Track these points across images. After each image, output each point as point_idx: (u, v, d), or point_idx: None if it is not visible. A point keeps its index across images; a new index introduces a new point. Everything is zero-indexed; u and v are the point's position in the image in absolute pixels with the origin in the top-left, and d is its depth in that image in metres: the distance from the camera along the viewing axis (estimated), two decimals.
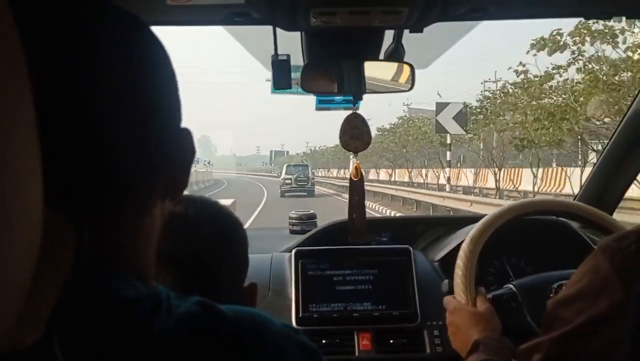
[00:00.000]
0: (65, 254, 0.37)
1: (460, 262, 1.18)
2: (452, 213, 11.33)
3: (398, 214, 11.48)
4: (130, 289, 0.41)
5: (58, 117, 0.38)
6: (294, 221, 1.84)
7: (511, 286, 1.23)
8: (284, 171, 28.47)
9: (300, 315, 1.33)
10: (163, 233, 0.49)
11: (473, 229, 1.19)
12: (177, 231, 0.72)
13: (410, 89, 1.25)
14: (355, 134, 1.35)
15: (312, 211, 1.86)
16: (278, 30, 1.21)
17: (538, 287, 1.21)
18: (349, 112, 1.37)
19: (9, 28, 0.25)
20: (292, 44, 1.29)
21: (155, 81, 0.47)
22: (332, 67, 1.26)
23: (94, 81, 0.41)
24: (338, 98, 1.44)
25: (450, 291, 1.24)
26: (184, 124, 0.49)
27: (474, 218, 1.61)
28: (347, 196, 1.48)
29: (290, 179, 26.85)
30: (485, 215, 1.39)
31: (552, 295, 1.20)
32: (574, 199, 1.85)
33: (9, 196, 0.24)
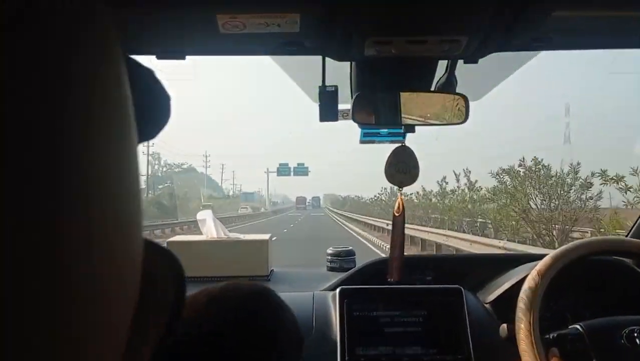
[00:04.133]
0: (165, 297, 0.33)
1: (524, 296, 1.10)
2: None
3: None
4: None
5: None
6: (331, 258, 1.77)
7: (578, 326, 1.14)
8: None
9: (346, 359, 1.25)
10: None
11: (539, 263, 1.12)
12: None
13: (464, 121, 1.20)
14: (402, 168, 1.30)
15: (350, 248, 1.79)
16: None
17: (609, 331, 1.12)
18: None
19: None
20: (338, 76, 1.26)
21: None
22: (382, 98, 1.22)
23: None
24: (383, 131, 1.40)
25: (510, 337, 1.16)
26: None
27: (525, 258, 1.53)
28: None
29: (303, 205, 35.46)
30: (535, 254, 1.31)
31: (623, 341, 1.11)
32: (626, 236, 1.76)
33: (113, 236, 0.23)
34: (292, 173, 68.25)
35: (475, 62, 1.13)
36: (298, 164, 69.21)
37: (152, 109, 0.41)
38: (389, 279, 1.38)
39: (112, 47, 0.25)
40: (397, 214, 1.39)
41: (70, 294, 0.20)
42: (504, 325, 1.22)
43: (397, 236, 1.41)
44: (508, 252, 8.01)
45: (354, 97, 1.19)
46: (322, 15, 0.92)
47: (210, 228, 1.69)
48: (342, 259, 1.76)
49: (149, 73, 0.42)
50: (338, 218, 43.17)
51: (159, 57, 1.10)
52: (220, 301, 0.64)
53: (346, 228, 29.41)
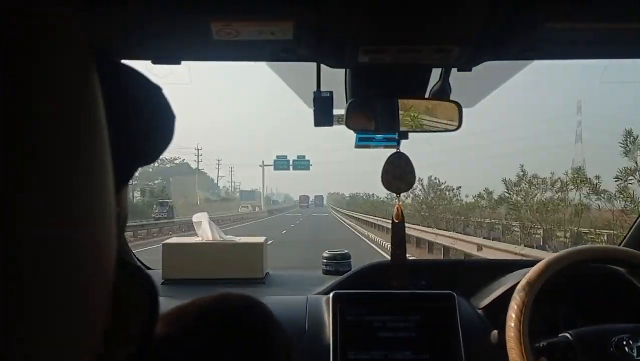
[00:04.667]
0: (137, 314, 0.34)
1: (514, 304, 1.11)
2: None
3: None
4: None
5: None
6: (327, 261, 1.78)
7: (568, 335, 1.15)
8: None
9: None
10: None
11: (530, 271, 1.13)
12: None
13: (457, 128, 1.21)
14: (398, 174, 1.31)
15: (345, 251, 1.80)
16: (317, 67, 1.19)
17: (598, 339, 1.13)
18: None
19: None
20: (333, 81, 1.27)
21: None
22: (376, 105, 1.23)
23: None
24: (378, 136, 1.41)
25: (501, 343, 1.16)
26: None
27: (518, 263, 1.53)
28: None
29: (307, 204, 46.24)
30: (529, 260, 1.32)
31: (612, 349, 1.12)
32: (619, 245, 1.76)
33: (89, 250, 0.24)
34: (291, 167, 58.09)
35: (469, 70, 1.13)
36: (298, 157, 58.83)
37: (156, 128, 0.40)
38: (392, 285, 1.39)
39: (85, 67, 0.25)
40: (396, 220, 1.40)
41: (39, 304, 0.21)
42: (495, 332, 1.22)
43: (398, 241, 1.42)
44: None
45: (347, 103, 1.20)
46: (315, 24, 0.92)
47: (205, 230, 1.70)
48: (338, 262, 1.76)
49: (157, 91, 0.41)
50: (344, 219, 37.78)
51: (154, 62, 1.11)
52: (209, 314, 0.65)
53: (359, 235, 23.19)
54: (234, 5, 0.87)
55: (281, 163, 57.44)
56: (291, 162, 57.15)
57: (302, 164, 57.87)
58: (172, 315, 0.64)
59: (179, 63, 1.14)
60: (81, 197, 0.24)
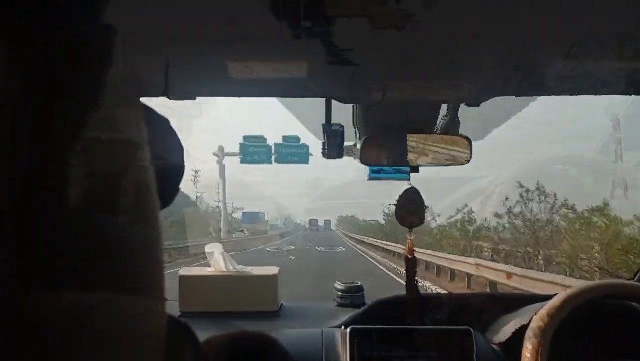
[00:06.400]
0: None
1: (533, 336, 1.09)
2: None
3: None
4: None
5: None
6: (341, 293, 1.77)
7: None
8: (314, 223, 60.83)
9: None
10: None
11: (546, 306, 1.11)
12: None
13: (468, 161, 1.22)
14: (411, 209, 1.31)
15: (359, 283, 1.79)
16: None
17: None
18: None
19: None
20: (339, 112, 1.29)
21: None
22: (388, 139, 1.25)
23: None
24: (389, 168, 1.43)
25: None
26: None
27: (534, 297, 1.51)
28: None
29: (316, 227, 64.81)
30: (547, 295, 1.30)
31: None
32: (632, 278, 1.73)
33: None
34: (273, 158, 30.78)
35: (478, 105, 1.15)
36: (285, 138, 30.90)
37: (167, 162, 0.39)
38: (408, 321, 1.39)
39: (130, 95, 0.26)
40: (409, 256, 1.41)
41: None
42: None
43: (412, 276, 1.43)
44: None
45: (362, 140, 1.22)
46: (327, 62, 0.95)
47: (218, 261, 1.71)
48: (352, 295, 1.75)
49: (165, 123, 0.39)
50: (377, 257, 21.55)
51: (171, 98, 1.15)
52: (226, 354, 0.65)
53: None
54: (251, 46, 0.90)
55: (254, 151, 30.42)
56: (273, 149, 30.34)
57: (294, 152, 30.37)
58: None
59: (194, 99, 1.17)
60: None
